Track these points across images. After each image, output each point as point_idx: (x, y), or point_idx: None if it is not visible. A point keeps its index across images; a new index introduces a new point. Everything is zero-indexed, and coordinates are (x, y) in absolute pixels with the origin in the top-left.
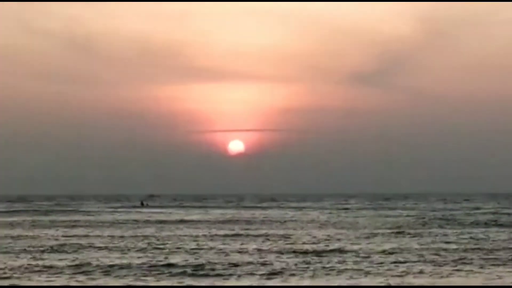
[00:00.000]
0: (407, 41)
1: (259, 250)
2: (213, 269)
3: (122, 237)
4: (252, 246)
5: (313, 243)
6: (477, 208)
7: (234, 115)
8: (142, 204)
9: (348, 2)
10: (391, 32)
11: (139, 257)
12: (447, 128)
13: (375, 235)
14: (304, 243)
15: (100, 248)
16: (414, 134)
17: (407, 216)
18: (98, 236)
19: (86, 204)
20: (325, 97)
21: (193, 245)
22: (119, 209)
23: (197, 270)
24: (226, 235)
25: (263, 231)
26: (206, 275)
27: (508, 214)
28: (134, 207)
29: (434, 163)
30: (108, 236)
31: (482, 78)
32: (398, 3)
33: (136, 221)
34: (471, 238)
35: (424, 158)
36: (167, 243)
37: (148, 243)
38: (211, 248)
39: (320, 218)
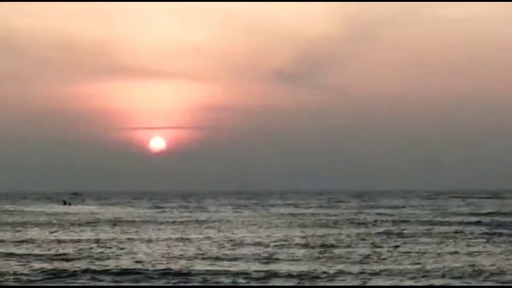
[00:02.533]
0: (329, 40)
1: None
2: None
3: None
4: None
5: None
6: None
7: (157, 112)
8: (64, 203)
9: (270, 2)
10: (313, 32)
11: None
12: (368, 124)
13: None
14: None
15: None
16: (335, 131)
17: (313, 215)
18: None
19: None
20: (247, 96)
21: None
22: (37, 209)
23: None
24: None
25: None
26: None
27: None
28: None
29: (355, 159)
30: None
31: (402, 76)
32: (320, 3)
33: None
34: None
35: (345, 154)
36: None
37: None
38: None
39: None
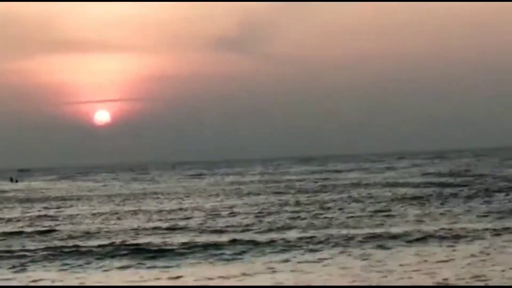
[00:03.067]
0: (268, 8)
1: None
2: None
3: None
4: None
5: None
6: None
7: (100, 85)
8: (11, 180)
9: None
10: None
11: None
12: (309, 90)
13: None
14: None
15: None
16: (277, 96)
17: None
18: None
19: None
20: (189, 64)
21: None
22: None
23: None
24: None
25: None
26: None
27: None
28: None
29: (296, 127)
30: None
31: (343, 41)
32: None
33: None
34: None
35: (286, 122)
36: None
37: None
38: None
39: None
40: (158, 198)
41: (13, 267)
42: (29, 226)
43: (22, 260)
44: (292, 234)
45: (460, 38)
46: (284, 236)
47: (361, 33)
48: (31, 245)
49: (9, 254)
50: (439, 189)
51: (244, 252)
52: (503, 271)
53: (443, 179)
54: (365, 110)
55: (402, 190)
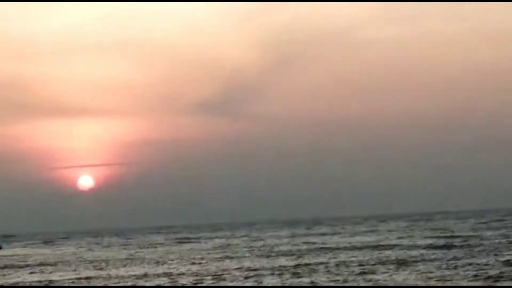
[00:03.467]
0: (252, 69)
1: None
2: None
3: None
4: None
5: None
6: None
7: (83, 150)
8: None
9: (188, 31)
10: (235, 61)
11: None
12: (294, 151)
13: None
14: None
15: None
16: (265, 161)
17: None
18: None
19: None
20: (171, 128)
21: None
22: None
23: None
24: None
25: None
26: None
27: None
28: None
29: (281, 188)
30: None
31: (328, 100)
32: (241, 32)
33: None
34: None
35: (272, 184)
36: None
37: None
38: None
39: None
40: (144, 262)
41: None
42: None
43: None
44: None
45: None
46: None
47: (347, 93)
48: None
49: None
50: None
51: None
52: None
53: (429, 241)
54: (351, 171)
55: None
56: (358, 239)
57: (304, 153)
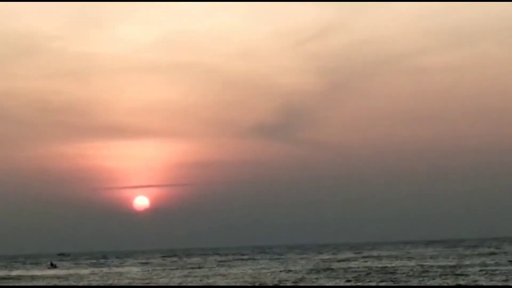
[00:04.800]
0: (308, 93)
1: None
2: None
3: None
4: None
5: None
6: None
7: (139, 171)
8: (52, 265)
9: (244, 55)
10: (292, 85)
11: None
12: (350, 179)
13: None
14: None
15: None
16: (319, 185)
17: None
18: None
19: None
20: (226, 151)
21: None
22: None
23: None
24: None
25: None
26: None
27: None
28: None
29: (337, 214)
30: None
31: (383, 126)
32: (296, 56)
33: None
34: None
35: (326, 209)
36: None
37: None
38: None
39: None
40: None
41: None
42: None
43: None
44: None
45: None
46: None
47: (404, 119)
48: None
49: None
50: None
51: None
52: None
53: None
54: (407, 197)
55: None
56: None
57: (357, 178)
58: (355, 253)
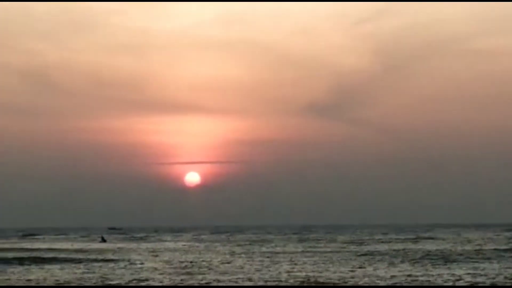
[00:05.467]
0: (362, 73)
1: None
2: None
3: None
4: None
5: None
6: None
7: (191, 147)
8: (102, 239)
9: (300, 33)
10: (346, 64)
11: None
12: (402, 160)
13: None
14: None
15: None
16: (371, 166)
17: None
18: None
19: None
20: (279, 129)
21: None
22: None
23: None
24: None
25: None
26: None
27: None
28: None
29: (389, 194)
30: None
31: (436, 109)
32: (353, 36)
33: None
34: None
35: (380, 190)
36: None
37: None
38: None
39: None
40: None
41: None
42: None
43: None
44: None
45: None
46: None
47: (458, 102)
48: None
49: None
50: None
51: None
52: None
53: None
54: (463, 179)
55: None
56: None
57: (410, 160)
58: (415, 235)
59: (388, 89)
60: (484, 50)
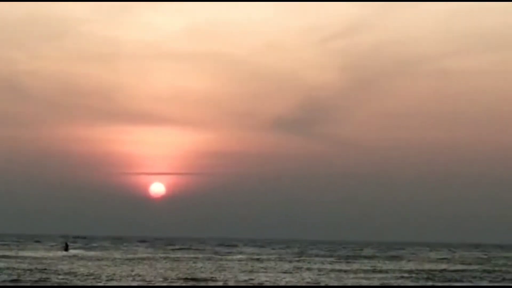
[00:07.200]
0: (330, 89)
1: None
2: None
3: None
4: None
5: None
6: None
7: (157, 158)
8: (66, 246)
9: (270, 48)
10: (314, 80)
11: None
12: (367, 176)
13: None
14: None
15: None
16: (333, 181)
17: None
18: None
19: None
20: (245, 142)
21: None
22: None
23: None
24: None
25: None
26: None
27: None
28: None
29: (352, 211)
30: None
31: (402, 126)
32: (322, 52)
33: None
34: None
35: (342, 205)
36: None
37: None
38: None
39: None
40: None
41: None
42: None
43: None
44: None
45: None
46: None
47: (424, 120)
48: None
49: None
50: None
51: None
52: None
53: None
54: (423, 197)
55: None
56: None
57: (374, 177)
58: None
59: (355, 105)
60: (452, 70)
